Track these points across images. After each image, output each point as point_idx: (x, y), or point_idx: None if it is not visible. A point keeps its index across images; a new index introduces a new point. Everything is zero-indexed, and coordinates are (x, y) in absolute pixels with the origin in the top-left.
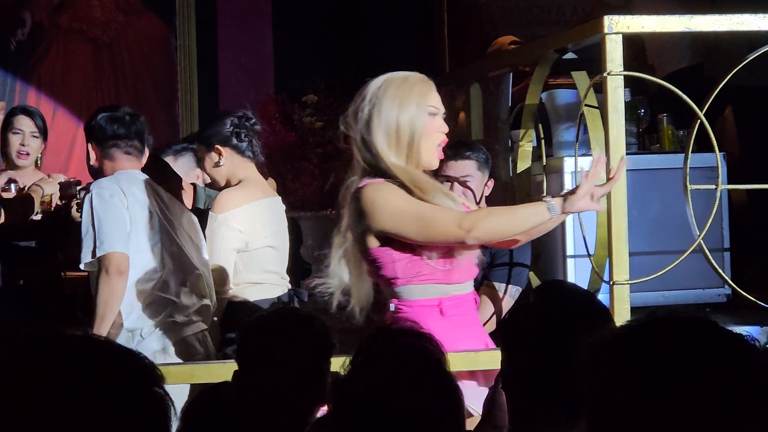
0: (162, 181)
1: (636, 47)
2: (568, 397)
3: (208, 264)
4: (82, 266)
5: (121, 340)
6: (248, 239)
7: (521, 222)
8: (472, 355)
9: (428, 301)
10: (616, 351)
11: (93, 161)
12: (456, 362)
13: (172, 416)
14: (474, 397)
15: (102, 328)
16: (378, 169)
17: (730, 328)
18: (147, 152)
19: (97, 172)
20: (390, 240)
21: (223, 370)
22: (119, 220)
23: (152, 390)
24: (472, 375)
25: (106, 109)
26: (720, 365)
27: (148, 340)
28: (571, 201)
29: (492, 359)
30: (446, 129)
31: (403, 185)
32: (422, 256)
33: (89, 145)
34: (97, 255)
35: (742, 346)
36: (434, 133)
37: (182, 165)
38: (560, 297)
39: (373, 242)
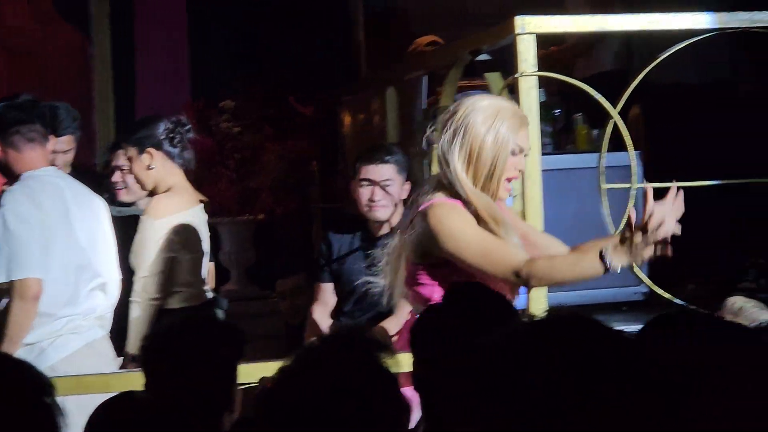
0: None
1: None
2: (477, 396)
3: (116, 269)
4: None
5: (20, 354)
6: (180, 247)
7: (578, 272)
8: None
9: None
10: (503, 353)
11: None
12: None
13: (62, 426)
14: None
15: (11, 349)
16: (453, 189)
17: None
18: (53, 139)
19: (3, 167)
20: (443, 263)
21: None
22: (36, 243)
23: (42, 400)
24: None
25: (3, 99)
26: (599, 363)
27: (49, 351)
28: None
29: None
30: (523, 168)
31: (475, 212)
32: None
33: None
34: (12, 278)
35: (621, 343)
36: (511, 169)
37: None
38: (468, 297)
39: (426, 258)
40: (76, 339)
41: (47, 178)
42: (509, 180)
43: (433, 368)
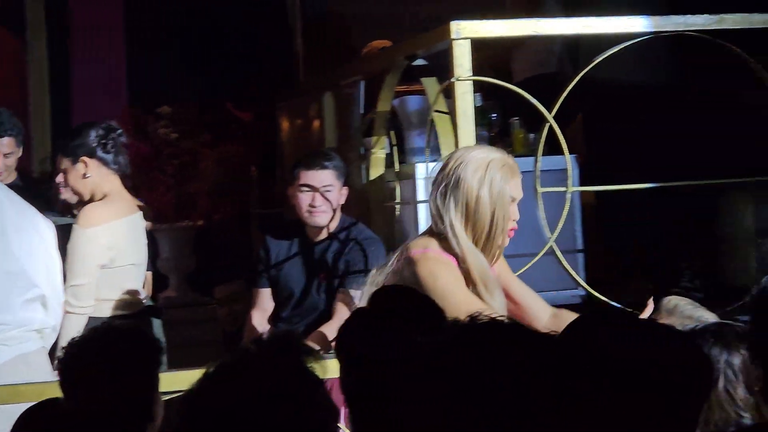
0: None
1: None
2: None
3: (60, 286)
4: None
5: None
6: (113, 256)
7: None
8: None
9: None
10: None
11: None
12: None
13: None
14: None
15: None
16: (448, 244)
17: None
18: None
19: None
20: None
21: None
22: None
23: None
24: None
25: None
26: (519, 365)
27: None
28: None
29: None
30: (518, 217)
31: (467, 271)
32: None
33: None
34: None
35: (542, 346)
36: (508, 221)
37: None
38: (395, 301)
39: None
40: (6, 350)
41: None
42: (510, 231)
43: (358, 372)
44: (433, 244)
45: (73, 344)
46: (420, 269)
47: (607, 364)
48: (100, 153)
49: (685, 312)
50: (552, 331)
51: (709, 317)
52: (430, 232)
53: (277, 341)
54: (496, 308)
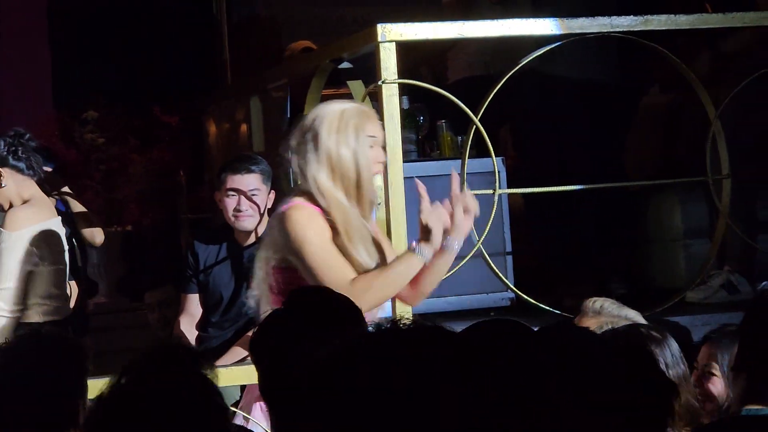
0: None
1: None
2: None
3: None
4: None
5: None
6: (39, 259)
7: (399, 279)
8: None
9: None
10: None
11: None
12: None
13: None
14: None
15: None
16: (314, 199)
17: None
18: None
19: None
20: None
21: None
22: None
23: None
24: None
25: None
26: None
27: None
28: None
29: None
30: (383, 159)
31: (333, 223)
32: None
33: None
34: None
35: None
36: (373, 165)
37: None
38: (311, 303)
39: (283, 261)
40: None
41: None
42: (375, 175)
43: (275, 376)
44: (300, 198)
45: (5, 349)
46: (287, 221)
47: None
48: (12, 161)
49: (612, 311)
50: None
51: (634, 316)
52: (298, 191)
53: (166, 349)
54: (362, 262)
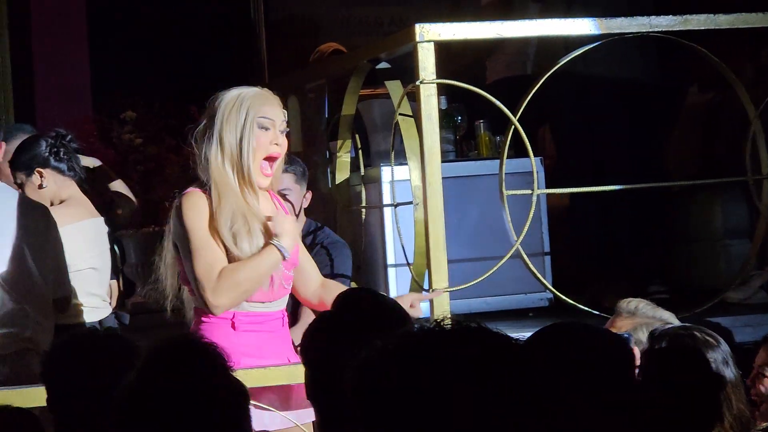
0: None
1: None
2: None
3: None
4: None
5: None
6: (71, 260)
7: (258, 269)
8: (261, 371)
9: (224, 315)
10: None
11: None
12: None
13: None
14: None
15: None
16: (209, 186)
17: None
18: (2, 145)
19: None
20: None
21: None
22: None
23: None
24: (264, 395)
25: None
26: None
27: None
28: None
29: (285, 375)
30: (280, 141)
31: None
32: None
33: None
34: None
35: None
36: (265, 145)
37: None
38: (359, 305)
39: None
40: None
41: None
42: (270, 159)
43: (321, 379)
44: (195, 185)
45: (56, 348)
46: (178, 208)
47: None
48: (53, 162)
49: (646, 312)
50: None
51: (669, 317)
52: (197, 178)
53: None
54: (243, 250)
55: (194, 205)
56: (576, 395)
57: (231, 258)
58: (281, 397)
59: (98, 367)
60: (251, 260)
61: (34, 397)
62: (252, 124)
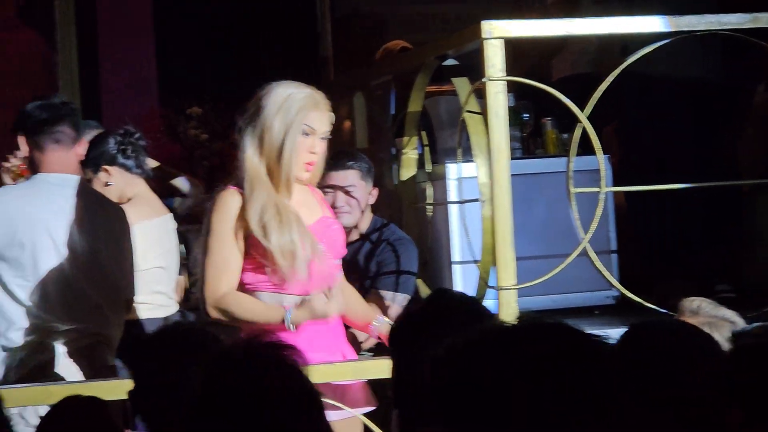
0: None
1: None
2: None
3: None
4: None
5: None
6: (139, 258)
7: (256, 317)
8: (326, 367)
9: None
10: (458, 364)
11: (25, 153)
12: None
13: None
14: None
15: None
16: (243, 177)
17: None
18: (83, 141)
19: (31, 165)
20: (247, 247)
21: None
22: None
23: None
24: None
25: (36, 99)
26: (574, 370)
27: (26, 358)
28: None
29: (350, 371)
30: (318, 150)
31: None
32: (265, 266)
33: (18, 138)
34: None
35: (597, 349)
36: (303, 152)
37: None
38: (447, 305)
39: None
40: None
41: (49, 185)
42: (308, 165)
43: (404, 374)
44: (232, 182)
45: (145, 341)
46: (210, 206)
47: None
48: (121, 160)
49: (709, 312)
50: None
51: (732, 316)
52: (233, 180)
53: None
54: (272, 243)
55: (223, 205)
56: (669, 392)
57: (259, 251)
58: (335, 393)
59: (184, 360)
60: (257, 306)
61: (106, 390)
62: (296, 129)
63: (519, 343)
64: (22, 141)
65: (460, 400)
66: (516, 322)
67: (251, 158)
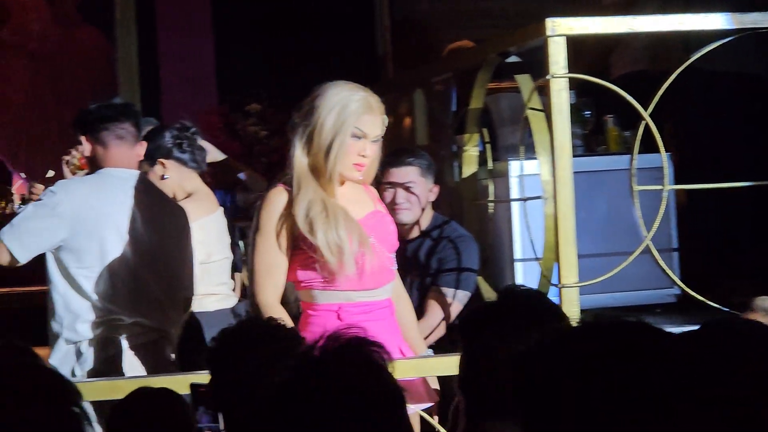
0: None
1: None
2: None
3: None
4: None
5: (60, 351)
6: (209, 251)
7: None
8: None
9: (329, 306)
10: (544, 360)
11: (87, 152)
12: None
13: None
14: None
15: None
16: (291, 174)
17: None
18: (143, 142)
19: (93, 164)
20: (297, 244)
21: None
22: (36, 233)
23: (68, 409)
24: None
25: (97, 101)
26: (657, 369)
27: (91, 351)
28: None
29: (412, 368)
30: (368, 154)
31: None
32: (315, 263)
33: (81, 137)
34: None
35: (681, 347)
36: (353, 155)
37: None
38: (519, 301)
39: None
40: (118, 342)
41: (114, 179)
42: (357, 166)
43: (475, 368)
44: (281, 181)
45: (226, 335)
46: (260, 204)
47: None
48: (176, 153)
49: None
50: None
51: None
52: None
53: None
54: (318, 239)
55: (271, 203)
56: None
57: (309, 248)
58: None
59: (265, 356)
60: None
61: (171, 385)
62: (346, 131)
63: (604, 340)
64: (84, 140)
65: (543, 400)
66: (596, 320)
67: (299, 156)
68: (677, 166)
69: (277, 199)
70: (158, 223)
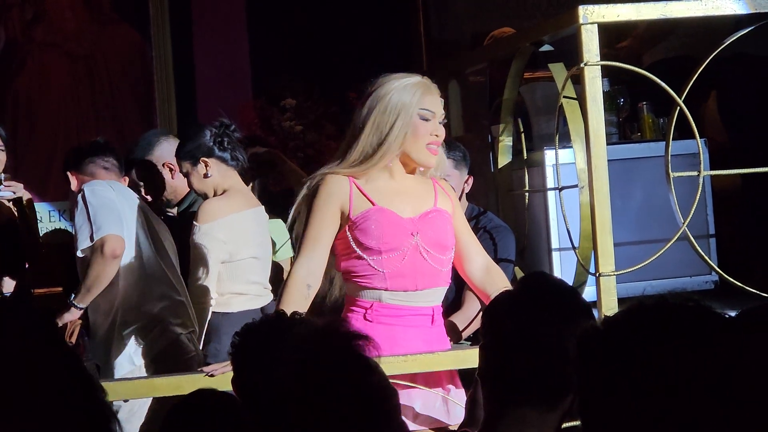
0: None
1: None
2: (543, 389)
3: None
4: (79, 253)
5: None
6: (232, 249)
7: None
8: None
9: (363, 303)
10: (607, 342)
11: (74, 187)
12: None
13: (115, 428)
14: (426, 407)
15: (86, 299)
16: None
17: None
18: (126, 179)
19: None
20: (343, 233)
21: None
22: (112, 208)
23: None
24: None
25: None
26: (712, 351)
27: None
28: None
29: (450, 360)
30: (440, 132)
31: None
32: (364, 258)
33: (68, 175)
34: (95, 239)
35: (731, 329)
36: (425, 135)
37: None
38: (541, 291)
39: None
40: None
41: (125, 189)
42: (430, 147)
43: (497, 360)
44: (332, 165)
45: (250, 330)
46: (315, 190)
47: None
48: (217, 152)
49: None
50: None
51: None
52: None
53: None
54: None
55: (320, 189)
56: None
57: (355, 240)
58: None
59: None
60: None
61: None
62: (413, 114)
63: (666, 323)
64: (70, 175)
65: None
66: (655, 303)
67: (365, 142)
68: (716, 151)
69: (334, 184)
70: (161, 233)
